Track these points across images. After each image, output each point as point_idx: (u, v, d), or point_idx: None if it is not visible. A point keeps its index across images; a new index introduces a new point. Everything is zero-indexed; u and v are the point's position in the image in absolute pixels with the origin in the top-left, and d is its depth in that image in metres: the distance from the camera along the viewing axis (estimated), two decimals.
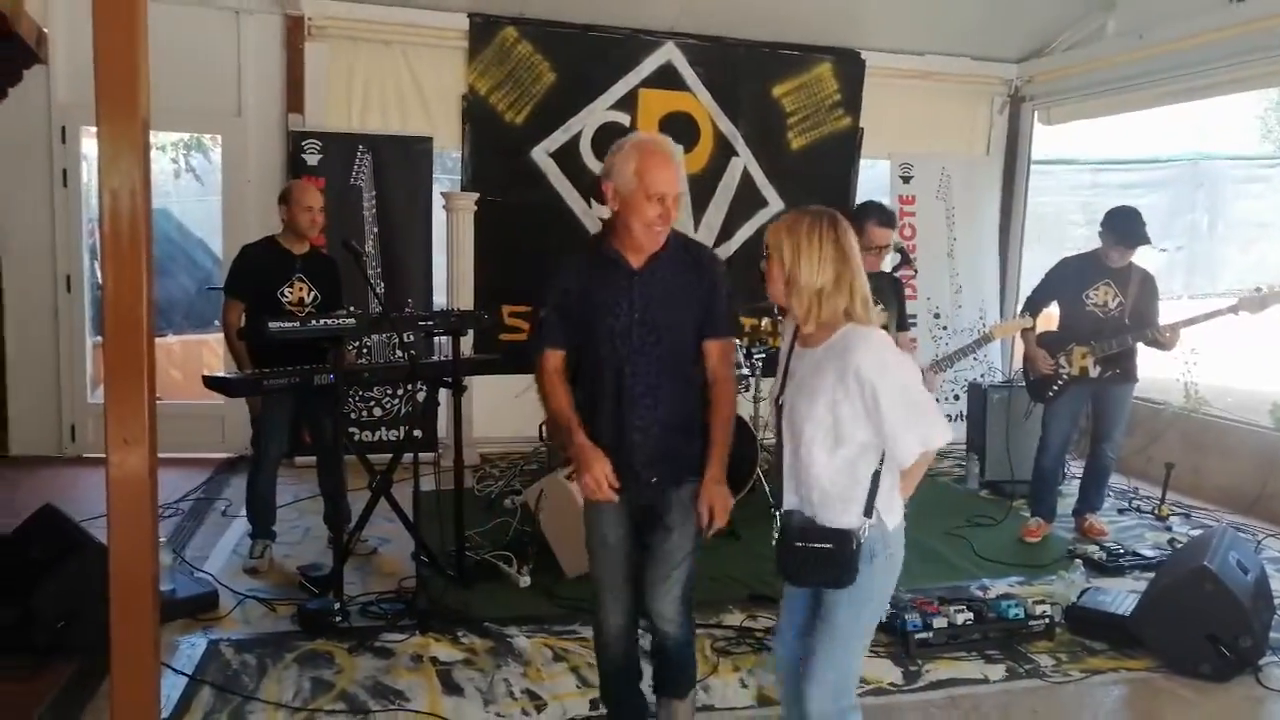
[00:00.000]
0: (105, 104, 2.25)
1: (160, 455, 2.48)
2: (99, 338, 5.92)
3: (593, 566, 2.71)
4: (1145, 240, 4.78)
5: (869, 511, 2.26)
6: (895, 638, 3.66)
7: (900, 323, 4.09)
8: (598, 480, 2.45)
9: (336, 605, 3.76)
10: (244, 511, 4.53)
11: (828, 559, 2.25)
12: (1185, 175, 13.81)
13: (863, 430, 2.23)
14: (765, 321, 6.09)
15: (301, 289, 4.19)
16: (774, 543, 2.36)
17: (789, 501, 2.37)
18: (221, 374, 3.86)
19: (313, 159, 5.97)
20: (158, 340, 2.53)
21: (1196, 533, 5.15)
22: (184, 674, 3.30)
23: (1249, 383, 8.20)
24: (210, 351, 7.22)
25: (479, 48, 6.27)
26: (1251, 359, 8.47)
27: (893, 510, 2.33)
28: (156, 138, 8.07)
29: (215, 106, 6.07)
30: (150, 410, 2.35)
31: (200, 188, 8.06)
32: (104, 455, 2.21)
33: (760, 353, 5.81)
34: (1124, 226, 4.76)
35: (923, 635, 3.64)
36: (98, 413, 5.71)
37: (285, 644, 3.57)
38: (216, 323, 5.53)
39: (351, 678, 3.34)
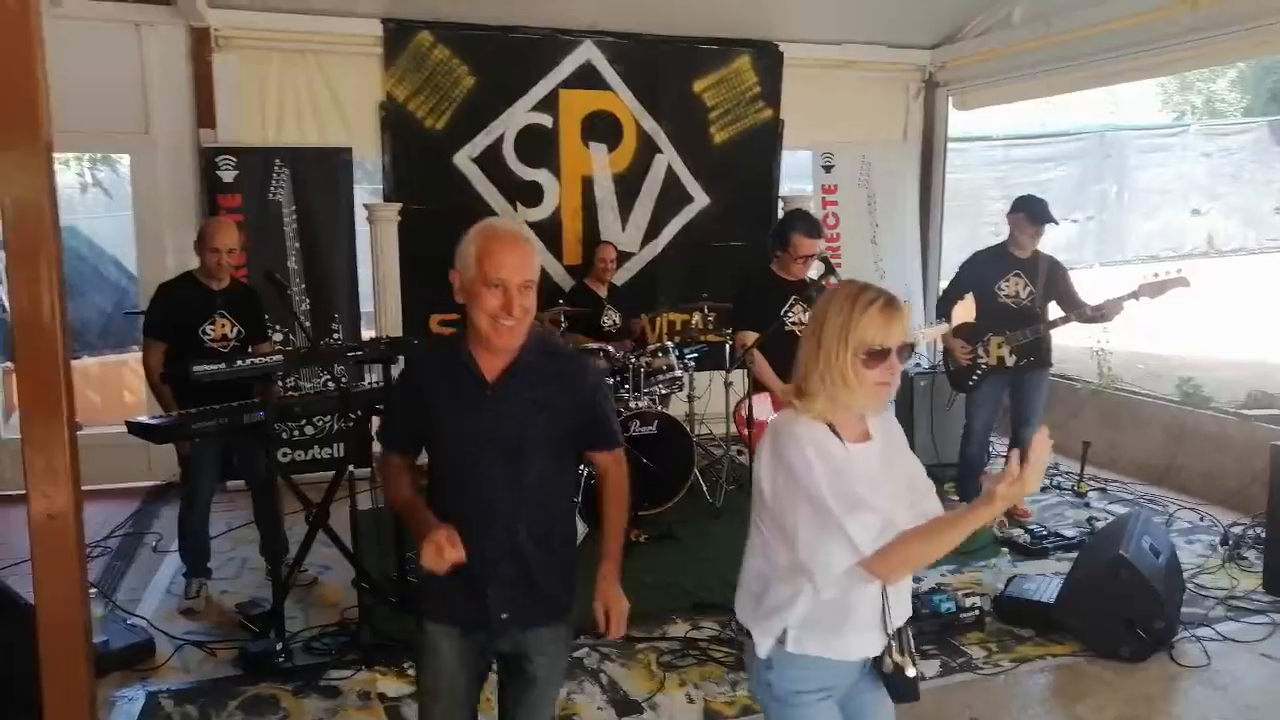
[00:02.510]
0: (4, 129, 2.11)
1: (83, 487, 2.36)
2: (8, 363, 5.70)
3: (420, 712, 2.34)
4: (1052, 219, 5.02)
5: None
6: None
7: None
8: (439, 543, 2.01)
9: (279, 645, 3.72)
10: (175, 545, 4.44)
11: None
12: (1093, 147, 14.31)
13: None
14: (697, 318, 6.08)
15: (224, 325, 4.09)
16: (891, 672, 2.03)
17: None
18: (144, 419, 3.74)
19: (228, 175, 5.81)
20: (73, 364, 2.38)
21: (1114, 507, 5.41)
22: None
23: (1157, 348, 8.60)
24: (131, 372, 6.99)
25: (394, 54, 6.16)
26: (1158, 329, 8.85)
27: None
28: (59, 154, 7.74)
29: (121, 125, 5.83)
30: (71, 448, 2.24)
31: (109, 201, 7.78)
32: (17, 493, 2.10)
33: (693, 353, 5.84)
34: (1035, 207, 4.99)
35: None
36: (13, 448, 5.50)
37: (228, 690, 3.52)
38: (136, 348, 5.37)
39: None
